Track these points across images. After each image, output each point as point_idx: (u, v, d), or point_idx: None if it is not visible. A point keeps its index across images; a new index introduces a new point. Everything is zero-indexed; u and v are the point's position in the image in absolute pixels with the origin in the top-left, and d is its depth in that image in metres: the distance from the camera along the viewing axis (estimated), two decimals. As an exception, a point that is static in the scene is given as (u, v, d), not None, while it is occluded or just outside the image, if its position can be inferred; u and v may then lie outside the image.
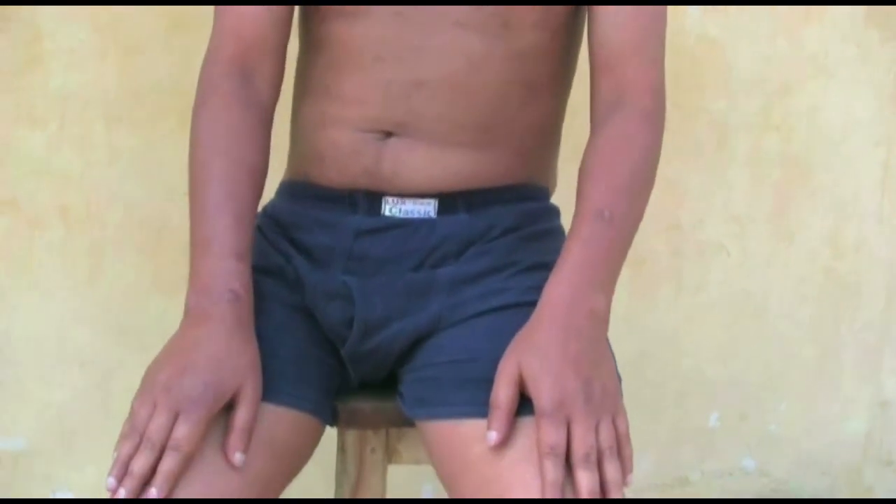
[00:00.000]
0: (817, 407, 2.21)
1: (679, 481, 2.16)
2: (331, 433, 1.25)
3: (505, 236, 1.17)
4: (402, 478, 1.85)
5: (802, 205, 2.12)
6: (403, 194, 1.15)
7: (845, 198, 2.14)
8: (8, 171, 1.78)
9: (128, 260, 1.82)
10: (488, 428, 0.99)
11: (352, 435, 1.25)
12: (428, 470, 1.95)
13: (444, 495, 1.98)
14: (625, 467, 0.99)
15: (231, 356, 1.02)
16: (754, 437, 2.19)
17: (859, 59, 2.07)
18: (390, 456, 1.27)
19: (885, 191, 2.16)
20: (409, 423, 1.15)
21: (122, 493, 0.97)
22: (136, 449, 0.98)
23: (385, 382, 1.20)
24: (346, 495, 1.26)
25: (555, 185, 1.29)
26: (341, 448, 1.26)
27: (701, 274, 2.08)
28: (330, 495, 1.28)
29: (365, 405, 1.20)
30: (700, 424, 2.15)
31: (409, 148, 1.15)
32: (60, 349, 1.83)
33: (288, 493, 1.15)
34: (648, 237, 2.02)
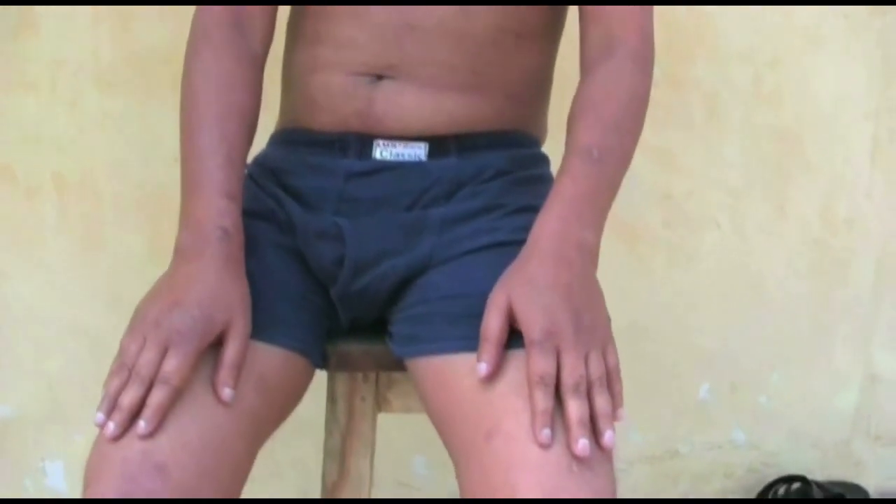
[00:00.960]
0: (808, 380, 2.22)
1: (669, 453, 2.17)
2: (321, 382, 1.26)
3: (495, 179, 1.18)
4: (394, 449, 1.86)
5: (794, 178, 2.12)
6: (394, 137, 1.16)
7: (836, 172, 2.15)
8: (1, 138, 1.78)
9: (123, 228, 1.82)
10: (478, 360, 0.99)
11: (342, 383, 1.25)
12: (419, 442, 1.97)
13: (437, 471, 2.00)
14: (615, 401, 0.99)
15: (221, 292, 1.03)
16: (745, 410, 2.20)
17: (849, 32, 2.07)
18: (380, 404, 1.27)
19: (874, 165, 2.16)
20: (399, 366, 1.15)
21: (110, 427, 0.97)
22: (125, 384, 0.99)
23: (375, 327, 1.21)
24: (336, 444, 1.26)
25: (545, 134, 1.30)
26: (331, 397, 1.26)
27: (693, 246, 2.08)
28: (319, 445, 1.28)
29: (355, 348, 1.20)
30: (691, 396, 2.15)
31: (400, 91, 1.16)
32: (54, 317, 1.83)
33: (277, 443, 1.15)
34: (641, 208, 2.03)
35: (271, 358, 1.08)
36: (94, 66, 1.78)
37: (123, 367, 1.00)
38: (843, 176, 2.15)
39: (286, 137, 1.24)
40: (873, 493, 2.21)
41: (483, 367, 0.99)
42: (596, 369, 0.98)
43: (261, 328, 1.06)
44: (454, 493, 1.99)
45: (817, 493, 2.10)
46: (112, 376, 1.00)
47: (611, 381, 0.99)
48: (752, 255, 2.12)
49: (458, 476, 1.01)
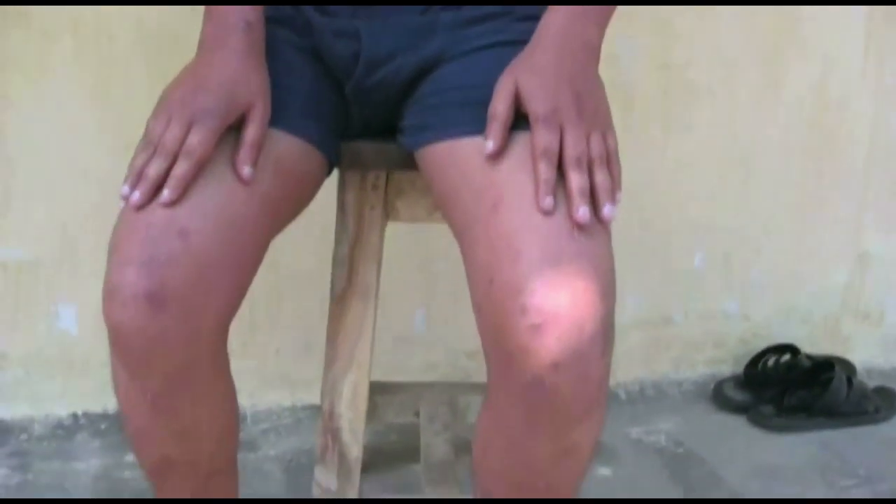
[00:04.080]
0: (799, 256, 2.28)
1: (664, 320, 2.23)
2: (331, 189, 1.30)
3: None
4: (394, 304, 1.91)
5: (790, 53, 2.16)
6: None
7: (831, 50, 2.19)
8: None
9: (137, 73, 1.85)
10: (485, 139, 1.04)
11: (352, 192, 1.30)
12: (419, 297, 2.03)
13: (436, 327, 2.05)
14: (614, 183, 1.04)
15: (243, 76, 1.08)
16: (737, 281, 2.25)
17: None
18: (388, 213, 1.32)
19: (868, 44, 2.20)
20: (409, 164, 1.21)
21: (135, 196, 1.02)
22: (150, 159, 1.03)
23: (386, 129, 1.26)
24: (345, 253, 1.31)
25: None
26: (341, 206, 1.31)
27: (689, 115, 2.13)
28: (328, 256, 1.32)
29: (367, 147, 1.25)
30: (685, 265, 2.21)
31: None
32: (67, 162, 1.87)
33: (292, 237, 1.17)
34: (638, 76, 2.07)
35: (288, 146, 1.13)
36: None
37: (149, 145, 1.05)
38: (837, 55, 2.18)
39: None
40: (860, 370, 2.27)
41: (490, 145, 1.03)
42: (597, 148, 1.03)
43: (279, 117, 1.12)
44: (452, 347, 2.06)
45: (807, 364, 2.16)
46: (138, 154, 1.05)
47: (610, 162, 1.04)
48: (746, 128, 2.17)
49: (463, 252, 1.06)
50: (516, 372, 0.96)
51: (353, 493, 1.38)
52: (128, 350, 1.01)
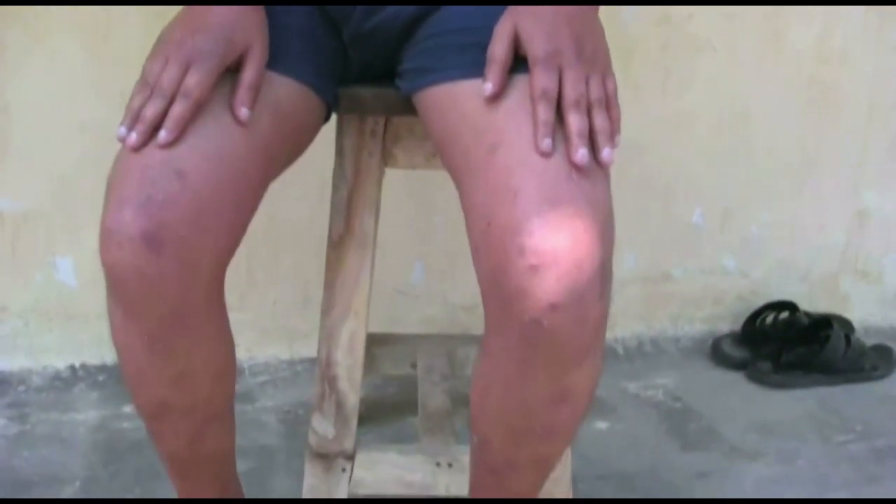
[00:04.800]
0: (798, 213, 2.27)
1: (663, 276, 2.23)
2: (330, 144, 1.30)
3: None
4: (393, 256, 1.91)
5: (791, 8, 2.15)
6: None
7: (832, 5, 2.17)
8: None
9: (135, 22, 1.84)
10: (484, 81, 1.03)
11: (350, 137, 1.29)
12: (418, 250, 2.02)
13: (434, 279, 2.05)
14: (613, 126, 1.03)
15: (241, 18, 1.07)
16: (736, 238, 2.25)
17: None
18: (386, 160, 1.31)
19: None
20: (407, 110, 1.20)
21: (132, 137, 1.01)
22: (148, 100, 1.03)
23: (385, 74, 1.25)
24: (343, 199, 1.31)
25: None
26: (339, 151, 1.30)
27: (689, 70, 2.12)
28: (326, 210, 1.32)
29: (366, 92, 1.25)
30: (684, 221, 2.21)
31: None
32: (66, 113, 1.86)
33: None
34: (638, 29, 2.06)
35: (286, 88, 1.12)
36: None
37: (146, 86, 1.04)
38: (838, 11, 2.17)
39: None
40: (858, 328, 2.27)
41: (489, 87, 1.03)
42: (596, 91, 1.02)
43: (277, 60, 1.11)
44: (449, 300, 2.06)
45: (805, 321, 2.16)
46: (135, 95, 1.05)
47: (609, 106, 1.03)
48: (746, 83, 2.16)
49: (462, 196, 1.05)
50: (514, 314, 0.96)
51: (349, 442, 1.38)
52: (124, 291, 1.01)
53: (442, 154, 1.12)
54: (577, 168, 0.97)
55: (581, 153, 0.97)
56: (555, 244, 0.93)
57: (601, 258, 0.95)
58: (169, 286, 1.00)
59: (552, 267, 0.93)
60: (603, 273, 0.96)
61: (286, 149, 1.15)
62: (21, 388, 1.92)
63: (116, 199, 0.99)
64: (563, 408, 1.05)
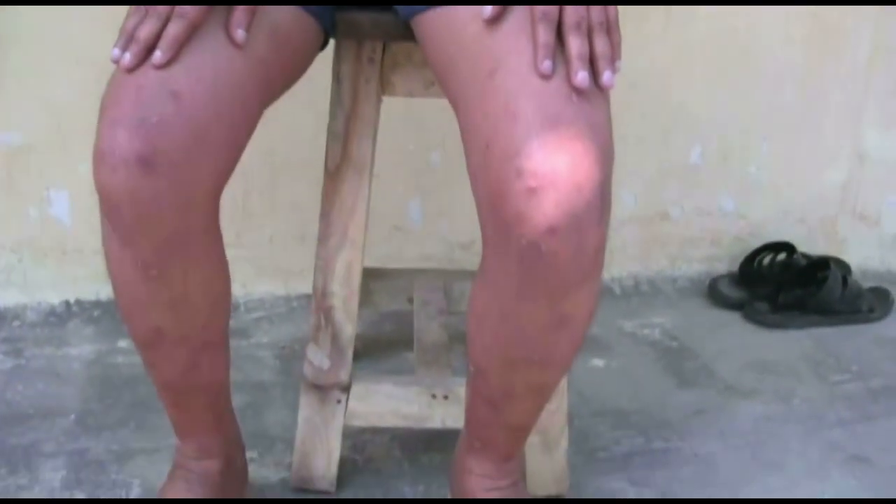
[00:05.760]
0: (797, 154, 2.26)
1: (660, 215, 2.22)
2: (327, 77, 1.28)
3: None
4: (390, 193, 1.90)
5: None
6: None
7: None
8: None
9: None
10: (484, 3, 1.02)
11: (347, 63, 1.28)
12: (415, 187, 2.01)
13: (431, 216, 2.04)
14: (614, 51, 1.02)
15: None
16: (734, 178, 2.24)
17: None
18: (384, 87, 1.30)
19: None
20: (407, 35, 1.19)
21: (126, 58, 1.00)
22: (142, 21, 1.01)
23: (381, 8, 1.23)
24: (340, 126, 1.29)
25: None
26: (336, 77, 1.29)
27: (689, 7, 2.09)
28: (323, 145, 1.31)
29: (363, 16, 1.23)
30: (683, 160, 2.19)
31: None
32: (60, 45, 1.83)
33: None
34: (640, -35, 2.03)
35: (284, 12, 1.11)
36: None
37: (141, 8, 1.02)
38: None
39: None
40: (855, 270, 2.27)
41: (488, 10, 1.01)
42: (597, 15, 1.00)
43: None
44: (447, 238, 2.05)
45: (802, 263, 2.15)
46: (129, 16, 1.03)
47: (610, 30, 1.02)
48: (748, 18, 2.13)
49: (460, 121, 1.04)
50: (512, 238, 0.95)
51: (345, 374, 1.38)
52: (119, 216, 1.00)
53: (441, 79, 1.11)
54: (577, 91, 0.96)
55: (581, 76, 0.96)
56: (554, 166, 0.92)
57: (601, 182, 0.94)
58: (164, 210, 0.99)
59: (550, 190, 0.92)
60: (602, 198, 0.95)
61: (283, 73, 1.13)
62: (16, 323, 1.91)
63: (110, 119, 0.98)
64: (562, 334, 1.04)
